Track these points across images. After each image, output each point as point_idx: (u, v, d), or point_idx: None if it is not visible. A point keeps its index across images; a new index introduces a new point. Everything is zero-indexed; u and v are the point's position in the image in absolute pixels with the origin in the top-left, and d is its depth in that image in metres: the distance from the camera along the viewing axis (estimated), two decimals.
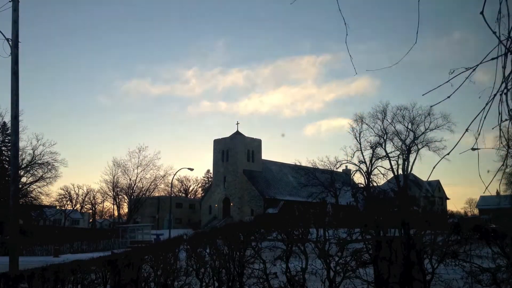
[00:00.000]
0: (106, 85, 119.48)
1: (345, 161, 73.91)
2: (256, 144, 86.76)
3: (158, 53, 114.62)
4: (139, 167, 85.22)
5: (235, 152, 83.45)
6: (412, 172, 77.14)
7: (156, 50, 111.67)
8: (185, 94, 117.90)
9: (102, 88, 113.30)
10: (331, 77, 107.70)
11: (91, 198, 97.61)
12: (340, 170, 79.93)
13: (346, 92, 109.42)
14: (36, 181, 70.23)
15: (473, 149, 3.15)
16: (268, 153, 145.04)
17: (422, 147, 73.58)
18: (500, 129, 2.89)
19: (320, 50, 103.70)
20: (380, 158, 73.33)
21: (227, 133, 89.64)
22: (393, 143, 74.69)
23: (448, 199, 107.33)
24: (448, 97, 3.09)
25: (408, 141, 73.78)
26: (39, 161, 69.19)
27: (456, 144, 3.16)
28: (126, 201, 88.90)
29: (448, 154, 3.44)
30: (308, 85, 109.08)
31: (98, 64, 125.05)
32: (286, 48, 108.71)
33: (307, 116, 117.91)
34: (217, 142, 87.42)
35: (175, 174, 71.78)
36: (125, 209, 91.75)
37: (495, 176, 3.07)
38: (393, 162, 73.86)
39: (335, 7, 3.93)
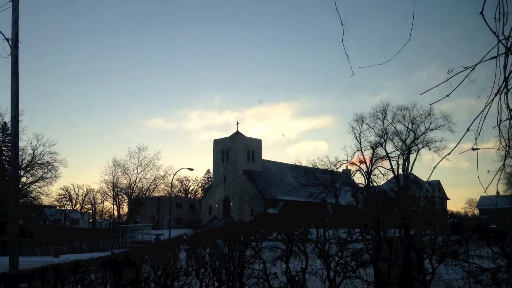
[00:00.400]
0: (127, 120, 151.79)
1: (345, 161, 73.93)
2: (256, 144, 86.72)
3: (171, 101, 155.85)
4: (139, 167, 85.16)
5: (235, 152, 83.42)
6: (412, 172, 77.11)
7: (170, 98, 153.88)
8: (189, 129, 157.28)
9: (123, 123, 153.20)
10: (301, 115, 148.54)
11: (91, 198, 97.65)
12: (340, 170, 79.90)
13: (314, 125, 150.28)
14: (36, 181, 70.19)
15: (473, 149, 3.15)
16: (268, 153, 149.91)
17: (422, 147, 73.54)
18: (500, 129, 2.89)
19: (290, 99, 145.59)
20: (380, 158, 73.30)
21: (227, 133, 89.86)
22: (393, 143, 74.67)
23: (448, 199, 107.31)
24: (447, 95, 3.09)
25: (408, 141, 73.73)
26: (39, 161, 69.19)
27: (457, 144, 3.16)
28: (126, 201, 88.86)
29: (448, 154, 3.45)
30: (285, 120, 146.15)
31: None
32: (265, 97, 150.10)
33: (288, 140, 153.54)
34: (217, 142, 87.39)
35: (175, 174, 71.74)
36: (125, 209, 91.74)
37: (495, 176, 3.07)
38: (393, 162, 73.86)
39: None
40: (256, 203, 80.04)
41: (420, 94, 3.41)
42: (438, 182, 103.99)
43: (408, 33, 3.49)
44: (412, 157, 73.75)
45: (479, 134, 2.92)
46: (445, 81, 2.98)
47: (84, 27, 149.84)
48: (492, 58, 2.81)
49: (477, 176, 3.12)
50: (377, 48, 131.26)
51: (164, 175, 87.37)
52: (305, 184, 73.27)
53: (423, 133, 73.03)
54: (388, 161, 73.73)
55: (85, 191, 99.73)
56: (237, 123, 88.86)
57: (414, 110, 73.18)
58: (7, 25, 15.45)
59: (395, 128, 74.27)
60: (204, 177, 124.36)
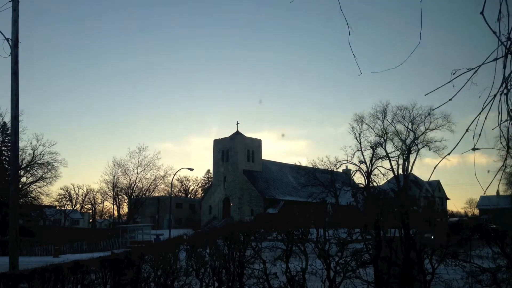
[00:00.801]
0: (126, 119, 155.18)
1: (345, 161, 73.96)
2: (256, 144, 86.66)
3: (176, 131, 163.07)
4: (139, 167, 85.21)
5: (235, 152, 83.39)
6: (412, 172, 77.15)
7: (175, 128, 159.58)
8: (191, 149, 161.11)
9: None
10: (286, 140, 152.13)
11: (91, 198, 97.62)
12: (340, 170, 79.90)
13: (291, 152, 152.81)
14: (36, 181, 70.17)
15: (473, 149, 3.15)
16: (268, 153, 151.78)
17: (422, 147, 73.59)
18: (500, 129, 2.89)
19: (276, 129, 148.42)
20: (380, 158, 73.31)
21: (227, 133, 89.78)
22: (393, 143, 74.71)
23: (448, 199, 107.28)
24: (450, 99, 3.09)
25: (408, 141, 73.77)
26: (39, 161, 69.16)
27: (457, 144, 3.16)
28: (126, 201, 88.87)
29: (448, 154, 3.45)
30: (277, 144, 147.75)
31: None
32: (254, 127, 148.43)
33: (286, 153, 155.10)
34: (217, 142, 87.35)
35: (175, 174, 71.79)
36: (125, 209, 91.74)
37: (495, 176, 3.07)
38: (393, 162, 73.89)
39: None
40: (256, 203, 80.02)
41: (425, 95, 3.42)
42: (438, 182, 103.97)
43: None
44: (412, 157, 73.85)
45: (479, 134, 2.92)
46: (448, 82, 2.98)
47: (85, 28, 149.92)
48: (494, 60, 2.81)
49: (475, 176, 3.12)
50: (376, 50, 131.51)
51: (164, 175, 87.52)
52: (305, 184, 73.25)
53: (423, 133, 73.15)
54: (388, 161, 73.84)
55: (85, 191, 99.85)
56: (237, 123, 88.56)
57: (414, 110, 73.29)
58: (7, 25, 15.46)
59: (395, 128, 74.39)
60: (204, 177, 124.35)
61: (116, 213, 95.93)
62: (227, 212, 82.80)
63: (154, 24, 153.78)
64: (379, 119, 74.30)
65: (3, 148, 67.76)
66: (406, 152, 73.63)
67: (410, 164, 73.74)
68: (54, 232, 63.65)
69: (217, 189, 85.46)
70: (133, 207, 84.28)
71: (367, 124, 74.49)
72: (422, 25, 3.38)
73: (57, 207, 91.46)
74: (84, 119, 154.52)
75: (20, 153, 56.84)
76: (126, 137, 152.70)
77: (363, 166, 72.66)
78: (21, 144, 60.70)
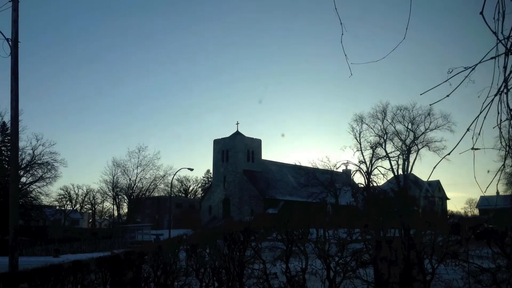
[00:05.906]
0: (127, 119, 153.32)
1: (345, 161, 73.99)
2: (256, 144, 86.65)
3: (176, 130, 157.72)
4: (139, 167, 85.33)
5: (235, 152, 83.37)
6: (412, 172, 77.17)
7: (175, 128, 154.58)
8: (190, 149, 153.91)
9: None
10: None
11: (91, 198, 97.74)
12: (340, 170, 79.92)
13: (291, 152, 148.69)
14: (36, 181, 70.20)
15: (473, 149, 3.15)
16: (268, 153, 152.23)
17: (422, 147, 73.61)
18: (500, 129, 2.89)
19: (276, 129, 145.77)
20: (380, 158, 73.33)
21: (227, 133, 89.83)
22: (393, 143, 74.70)
23: (448, 199, 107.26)
24: (447, 95, 3.09)
25: (408, 141, 73.78)
26: (38, 161, 69.19)
27: (457, 145, 3.16)
28: (126, 201, 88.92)
29: (448, 154, 3.44)
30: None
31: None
32: (254, 127, 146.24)
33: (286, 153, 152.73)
34: (217, 142, 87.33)
35: (175, 174, 71.96)
36: (125, 209, 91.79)
37: (495, 176, 3.07)
38: (393, 162, 73.89)
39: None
40: (256, 203, 79.97)
41: (421, 94, 3.41)
42: (438, 182, 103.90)
43: (409, 34, 3.49)
44: (412, 157, 73.88)
45: (479, 134, 2.92)
46: (445, 81, 2.99)
47: (84, 27, 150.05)
48: (492, 58, 2.81)
49: (474, 176, 3.12)
50: (375, 51, 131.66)
51: (164, 175, 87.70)
52: (305, 184, 73.22)
53: (423, 133, 73.14)
54: (388, 161, 73.86)
55: (85, 191, 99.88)
56: (237, 123, 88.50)
57: (414, 110, 73.26)
58: (7, 25, 15.46)
59: (394, 128, 74.38)
60: (204, 177, 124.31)
61: (116, 213, 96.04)
62: (227, 212, 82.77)
63: (153, 24, 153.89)
64: (379, 119, 74.36)
65: (3, 148, 67.77)
66: (406, 152, 73.68)
67: (410, 164, 73.84)
68: (54, 232, 63.67)
69: (217, 189, 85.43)
70: (133, 207, 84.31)
71: (367, 124, 74.54)
72: (409, 21, 3.38)
73: (57, 207, 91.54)
74: (84, 119, 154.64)
75: (20, 153, 56.94)
76: (126, 137, 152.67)
77: (363, 166, 72.73)
78: (21, 144, 60.78)
